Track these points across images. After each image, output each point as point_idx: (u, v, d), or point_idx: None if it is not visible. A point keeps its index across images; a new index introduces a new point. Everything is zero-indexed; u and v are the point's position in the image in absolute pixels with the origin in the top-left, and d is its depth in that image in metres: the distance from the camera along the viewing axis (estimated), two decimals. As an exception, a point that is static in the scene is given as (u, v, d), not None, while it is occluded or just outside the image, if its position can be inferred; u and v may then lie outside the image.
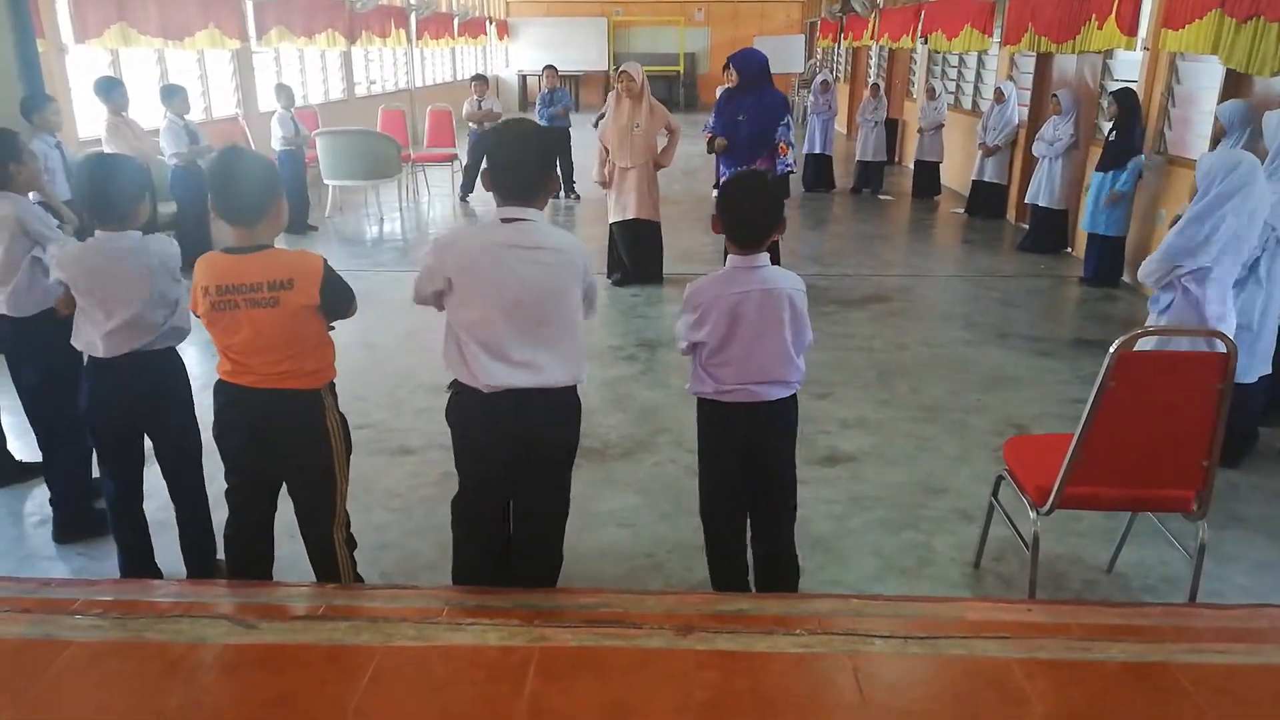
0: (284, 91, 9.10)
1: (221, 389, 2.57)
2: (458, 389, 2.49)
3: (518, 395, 2.39)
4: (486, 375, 2.37)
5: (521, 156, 2.38)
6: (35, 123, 5.42)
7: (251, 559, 2.76)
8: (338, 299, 2.52)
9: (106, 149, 6.31)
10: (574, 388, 2.52)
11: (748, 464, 2.73)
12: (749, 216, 2.53)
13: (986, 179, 9.68)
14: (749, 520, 2.83)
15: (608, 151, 6.68)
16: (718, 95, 6.47)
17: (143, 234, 2.83)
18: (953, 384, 5.02)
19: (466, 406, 2.46)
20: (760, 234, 2.53)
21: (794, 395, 2.70)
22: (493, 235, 2.35)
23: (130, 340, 2.78)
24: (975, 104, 11.28)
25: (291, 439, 2.57)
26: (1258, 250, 3.70)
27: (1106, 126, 7.04)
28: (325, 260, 2.49)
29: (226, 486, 2.69)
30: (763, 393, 2.60)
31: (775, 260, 2.69)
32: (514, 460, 2.49)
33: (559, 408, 2.50)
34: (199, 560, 3.06)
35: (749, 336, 2.55)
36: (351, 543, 2.76)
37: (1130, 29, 6.82)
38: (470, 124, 10.43)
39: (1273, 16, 4.99)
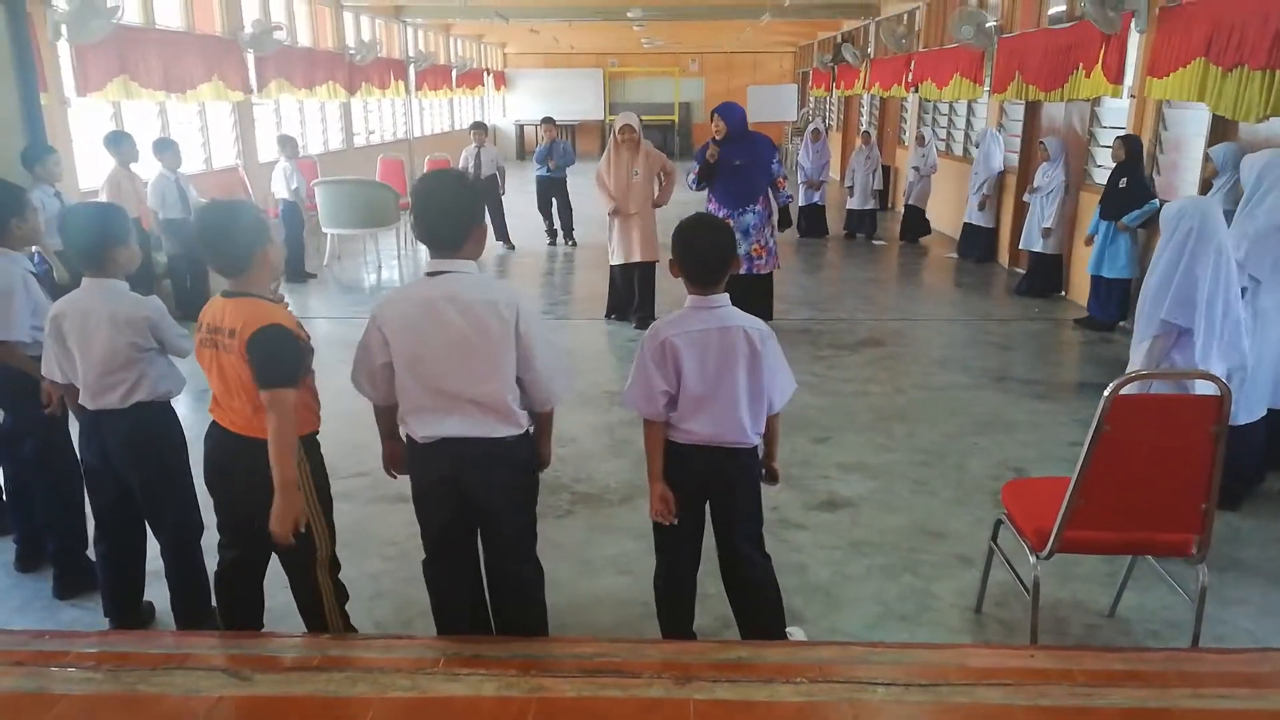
0: (288, 143, 9.21)
1: (209, 430, 2.62)
2: (404, 435, 2.55)
3: (452, 445, 2.42)
4: (419, 425, 2.44)
5: (442, 206, 2.39)
6: (36, 174, 5.48)
7: (236, 602, 2.76)
8: (260, 364, 2.40)
9: (102, 199, 6.39)
10: (521, 437, 2.49)
11: (709, 502, 2.72)
12: (703, 256, 2.57)
13: (977, 223, 9.83)
14: (719, 556, 2.77)
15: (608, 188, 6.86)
16: (710, 150, 6.44)
17: (129, 285, 2.85)
18: (950, 428, 5.03)
19: (411, 456, 2.54)
20: (715, 272, 2.57)
21: (755, 448, 2.66)
22: (418, 290, 2.41)
23: (104, 392, 2.77)
24: (966, 150, 11.44)
25: (254, 488, 2.54)
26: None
27: (1107, 173, 7.04)
28: (277, 325, 2.42)
29: (219, 549, 2.74)
30: (729, 441, 2.59)
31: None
32: (464, 513, 2.53)
33: (500, 458, 2.46)
34: (189, 614, 3.02)
35: (710, 376, 2.53)
36: (342, 594, 2.74)
37: (1116, 78, 6.95)
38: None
39: (1255, 65, 5.09)
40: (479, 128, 10.66)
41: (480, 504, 2.50)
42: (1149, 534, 2.72)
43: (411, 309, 2.39)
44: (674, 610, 2.81)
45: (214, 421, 2.60)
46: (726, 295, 2.60)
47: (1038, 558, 2.73)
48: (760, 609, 2.76)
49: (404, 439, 2.55)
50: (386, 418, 2.59)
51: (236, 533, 2.69)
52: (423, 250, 10.79)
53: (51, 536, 3.36)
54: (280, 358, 2.43)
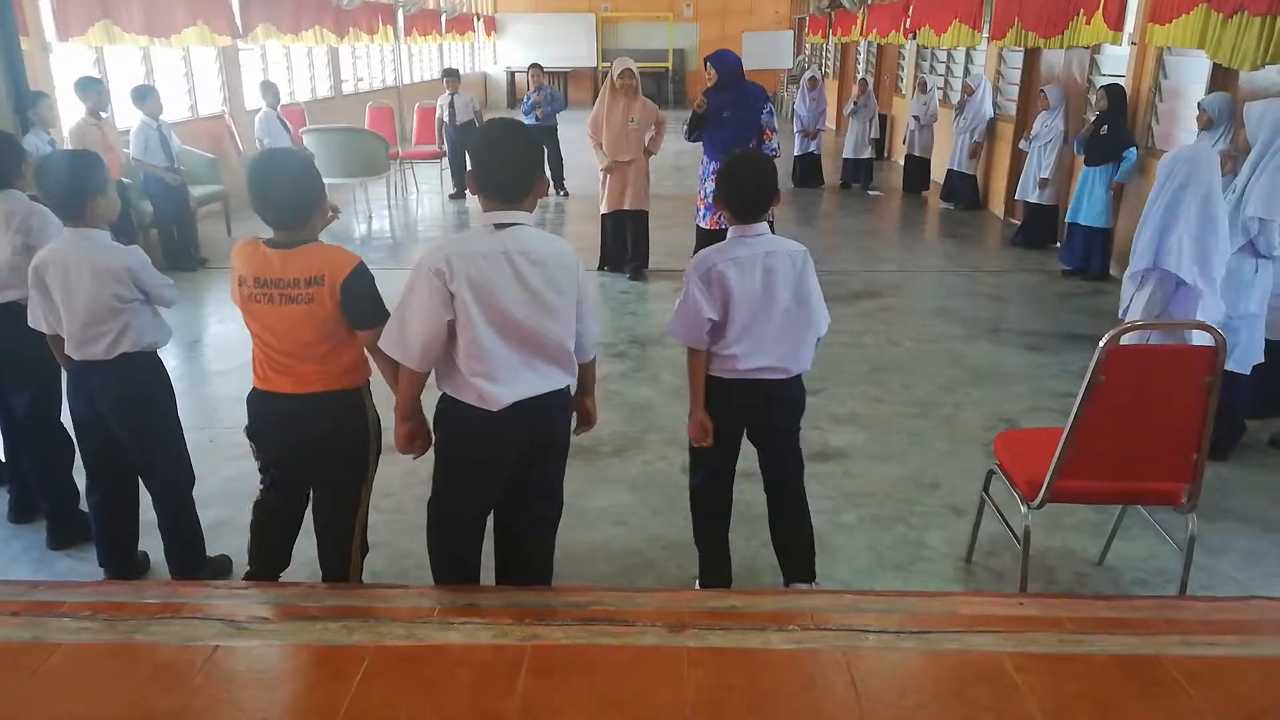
0: (270, 89, 9.01)
1: (256, 396, 2.56)
2: (450, 403, 2.38)
3: (528, 405, 2.34)
4: (499, 395, 2.29)
5: (507, 156, 2.30)
6: (30, 118, 5.39)
7: (271, 559, 2.80)
8: (359, 306, 2.41)
9: (68, 147, 6.27)
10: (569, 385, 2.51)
11: (753, 440, 2.87)
12: (748, 188, 2.68)
13: (963, 169, 9.90)
14: (768, 501, 2.95)
15: (599, 144, 6.76)
16: (698, 101, 6.31)
17: (112, 234, 2.81)
18: (944, 379, 5.03)
19: (467, 422, 2.34)
20: (759, 205, 2.68)
21: (799, 376, 2.78)
22: (488, 243, 2.26)
23: (88, 343, 2.75)
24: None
25: (329, 441, 2.54)
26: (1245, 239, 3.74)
27: (1093, 119, 7.08)
28: (362, 264, 2.43)
29: (260, 486, 2.76)
30: (774, 369, 2.69)
31: None
32: (514, 468, 2.45)
33: (563, 407, 2.49)
34: (183, 564, 3.04)
35: (757, 300, 2.62)
36: (364, 548, 2.75)
37: (1117, 24, 6.85)
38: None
39: (1256, 10, 5.01)
40: (451, 74, 10.48)
41: (540, 454, 2.46)
42: (1140, 484, 2.74)
43: (487, 264, 2.23)
44: (713, 520, 2.93)
45: (266, 391, 2.51)
46: (766, 225, 2.70)
47: (1029, 507, 2.75)
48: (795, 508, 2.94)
49: (461, 407, 2.34)
50: (417, 390, 2.39)
51: (292, 492, 2.71)
52: (412, 198, 10.68)
53: (43, 491, 3.36)
54: (376, 296, 2.45)
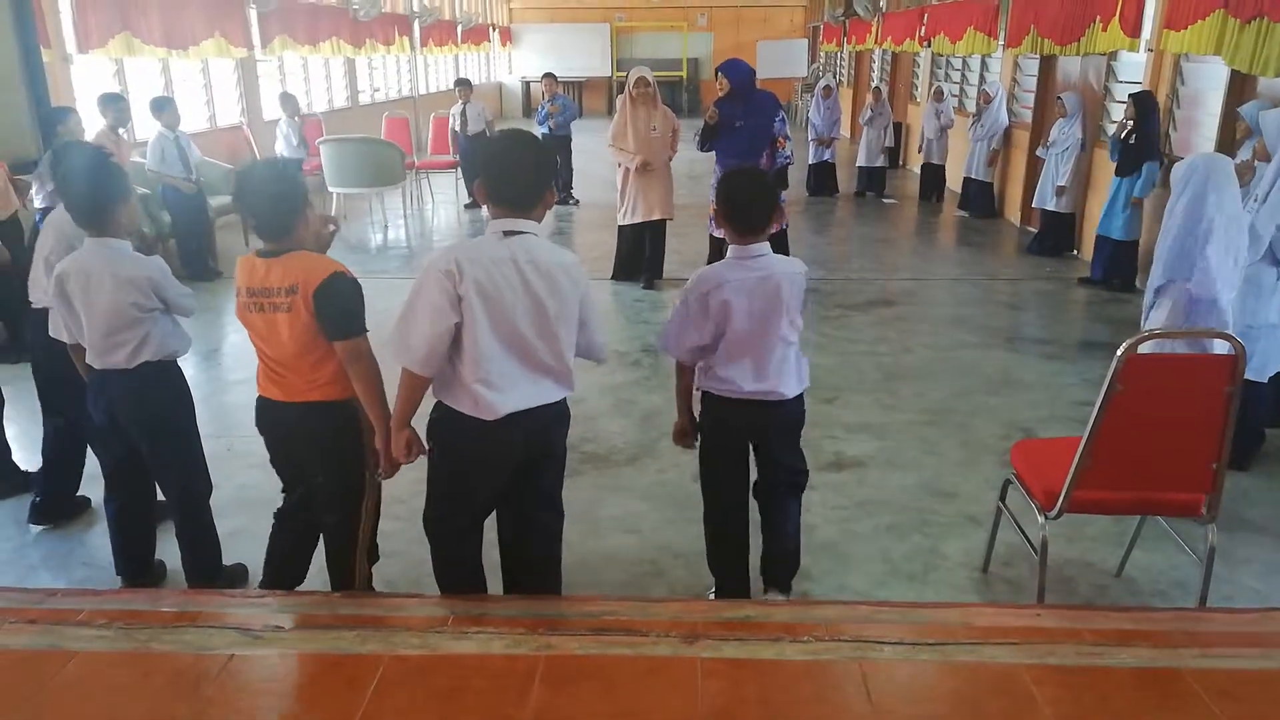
0: (289, 101, 9.09)
1: (257, 402, 2.59)
2: (446, 411, 2.38)
3: (524, 416, 2.34)
4: (496, 403, 2.29)
5: (519, 167, 2.29)
6: (59, 133, 5.44)
7: (285, 571, 2.81)
8: (330, 317, 2.39)
9: None
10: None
11: (756, 456, 2.85)
12: (747, 206, 2.64)
13: (980, 177, 9.85)
14: (759, 508, 2.92)
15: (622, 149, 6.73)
16: (710, 113, 6.27)
17: (131, 245, 2.83)
18: (959, 388, 5.00)
19: (464, 431, 2.35)
20: (758, 222, 2.64)
21: (801, 395, 2.75)
22: (496, 250, 2.25)
23: (110, 352, 2.77)
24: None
25: (322, 451, 2.56)
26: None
27: (1114, 129, 7.02)
28: (339, 274, 2.41)
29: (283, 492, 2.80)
30: (771, 393, 2.66)
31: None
32: (511, 477, 2.46)
33: (560, 416, 2.49)
34: (200, 573, 3.05)
35: (755, 324, 2.60)
36: (373, 555, 2.75)
37: (1133, 30, 6.81)
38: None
39: (1276, 17, 4.97)
40: (463, 84, 10.52)
41: (537, 463, 2.46)
42: (1159, 494, 2.71)
43: (496, 270, 2.22)
44: (726, 555, 2.90)
45: (265, 398, 2.55)
46: (767, 244, 2.66)
47: (1046, 518, 2.72)
48: (785, 558, 2.91)
49: (456, 416, 2.34)
50: (418, 398, 2.37)
51: (306, 498, 2.72)
52: (428, 208, 10.71)
53: (51, 470, 3.52)
54: (350, 307, 2.43)
